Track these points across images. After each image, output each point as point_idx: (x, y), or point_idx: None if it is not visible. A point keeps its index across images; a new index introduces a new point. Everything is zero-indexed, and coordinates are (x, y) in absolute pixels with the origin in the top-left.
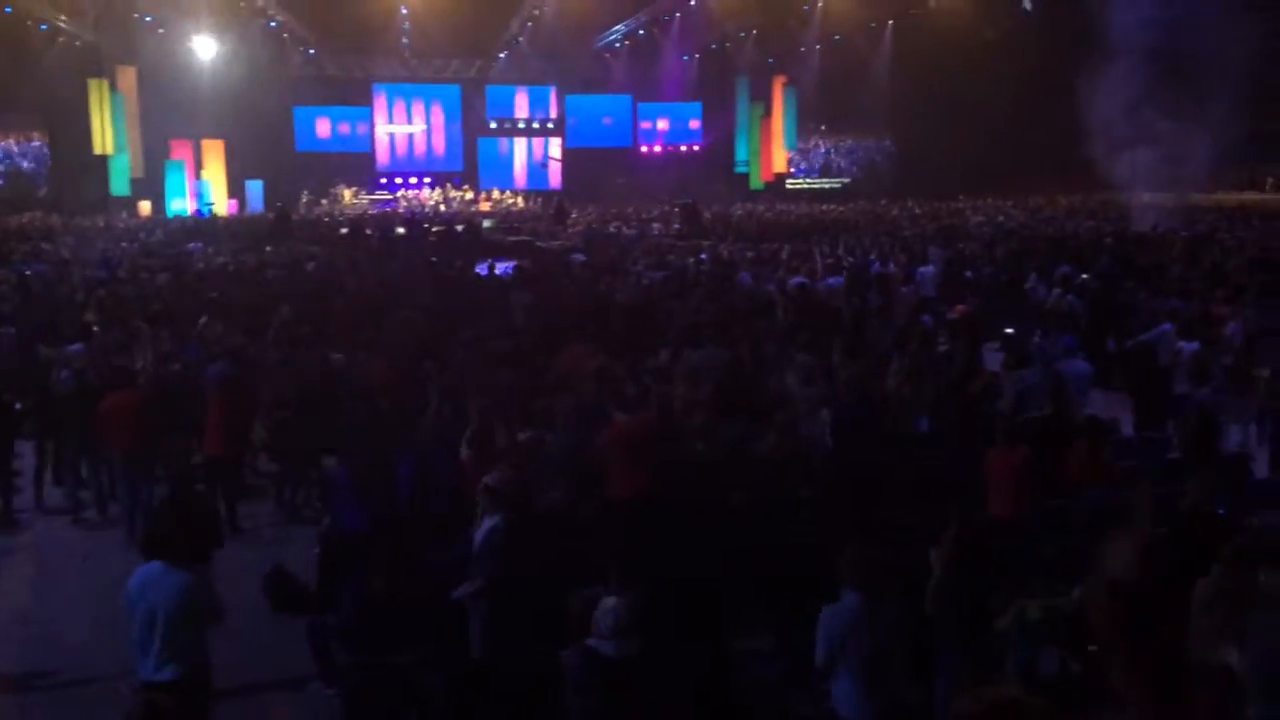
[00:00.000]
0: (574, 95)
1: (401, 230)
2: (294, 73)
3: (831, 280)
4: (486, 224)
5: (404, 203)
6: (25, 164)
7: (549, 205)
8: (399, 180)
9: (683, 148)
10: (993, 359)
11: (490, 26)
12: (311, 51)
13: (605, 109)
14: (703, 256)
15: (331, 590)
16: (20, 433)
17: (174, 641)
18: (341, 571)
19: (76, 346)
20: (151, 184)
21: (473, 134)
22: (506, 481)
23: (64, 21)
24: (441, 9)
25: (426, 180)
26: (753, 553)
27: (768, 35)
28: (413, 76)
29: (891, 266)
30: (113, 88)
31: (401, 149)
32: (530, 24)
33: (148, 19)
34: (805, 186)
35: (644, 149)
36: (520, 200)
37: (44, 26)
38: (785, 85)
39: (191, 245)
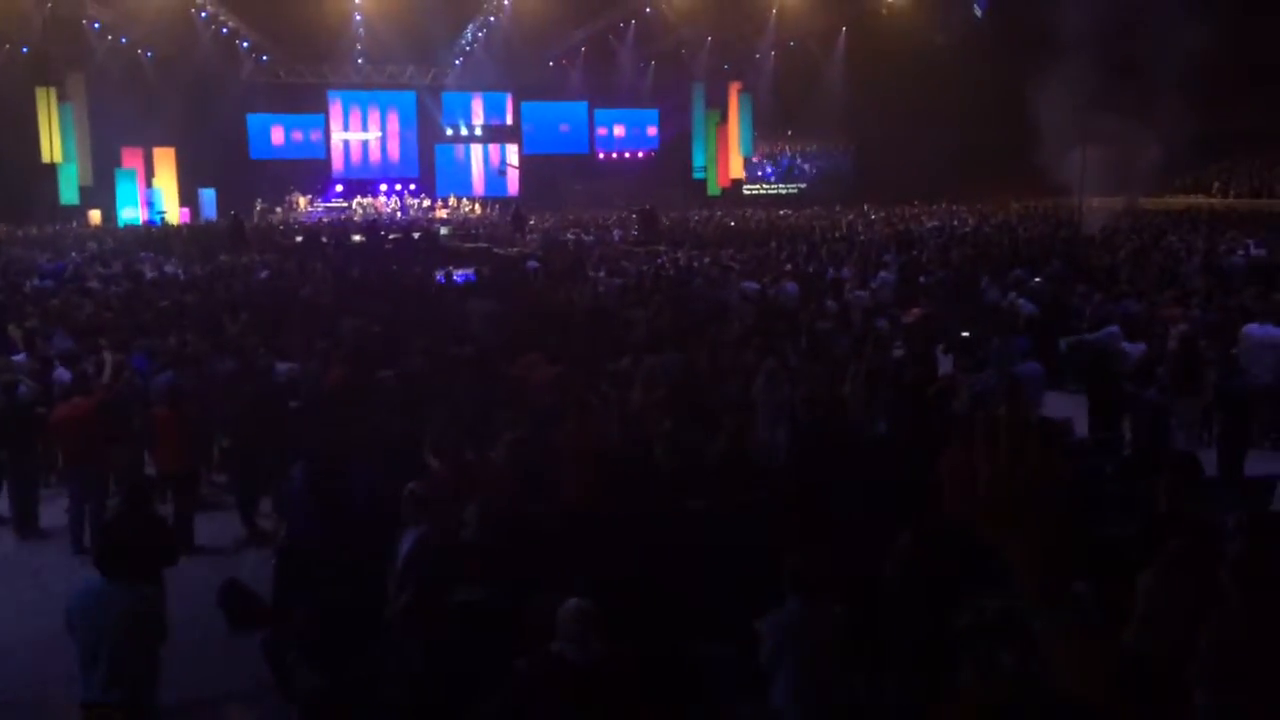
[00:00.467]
0: (530, 102)
1: (358, 238)
2: (247, 79)
3: (788, 286)
4: (444, 231)
5: (360, 210)
6: None
7: (506, 212)
8: (355, 187)
9: (640, 154)
10: (947, 362)
11: (445, 33)
12: (265, 58)
13: (562, 115)
14: (660, 262)
15: (288, 603)
16: None
17: (120, 661)
18: (298, 584)
19: (20, 356)
20: (102, 193)
21: (429, 141)
22: (432, 489)
23: (10, 28)
24: (396, 15)
25: (382, 188)
26: (709, 556)
27: (723, 42)
28: (368, 83)
29: (846, 272)
30: (61, 96)
31: (357, 156)
32: (485, 31)
33: (96, 25)
34: (762, 192)
35: (601, 155)
36: (478, 207)
37: None
38: (741, 91)
39: (142, 254)
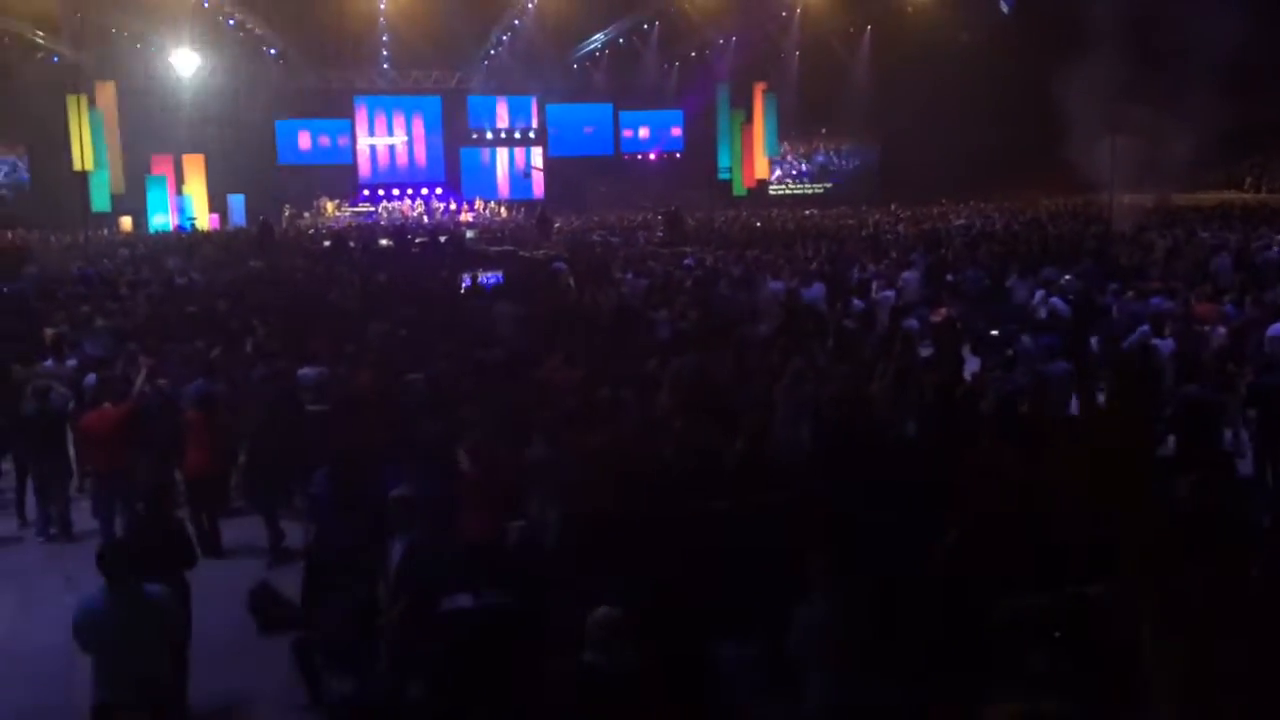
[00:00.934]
0: (555, 104)
1: (385, 242)
2: (274, 86)
3: (814, 286)
4: (470, 234)
5: (386, 214)
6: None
7: (532, 215)
8: (381, 192)
9: (665, 155)
10: (976, 361)
11: (470, 37)
12: (292, 65)
13: (586, 118)
14: (687, 263)
15: (316, 606)
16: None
17: (136, 664)
18: (326, 588)
19: (48, 363)
20: (132, 200)
21: (454, 145)
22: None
23: (42, 38)
24: (421, 20)
25: (409, 191)
26: (731, 557)
27: (747, 41)
28: (393, 88)
29: (872, 271)
30: (92, 104)
31: (383, 161)
32: (510, 34)
33: (126, 34)
34: (788, 192)
35: (626, 157)
36: (503, 210)
37: (21, 43)
38: (765, 91)
39: (171, 261)
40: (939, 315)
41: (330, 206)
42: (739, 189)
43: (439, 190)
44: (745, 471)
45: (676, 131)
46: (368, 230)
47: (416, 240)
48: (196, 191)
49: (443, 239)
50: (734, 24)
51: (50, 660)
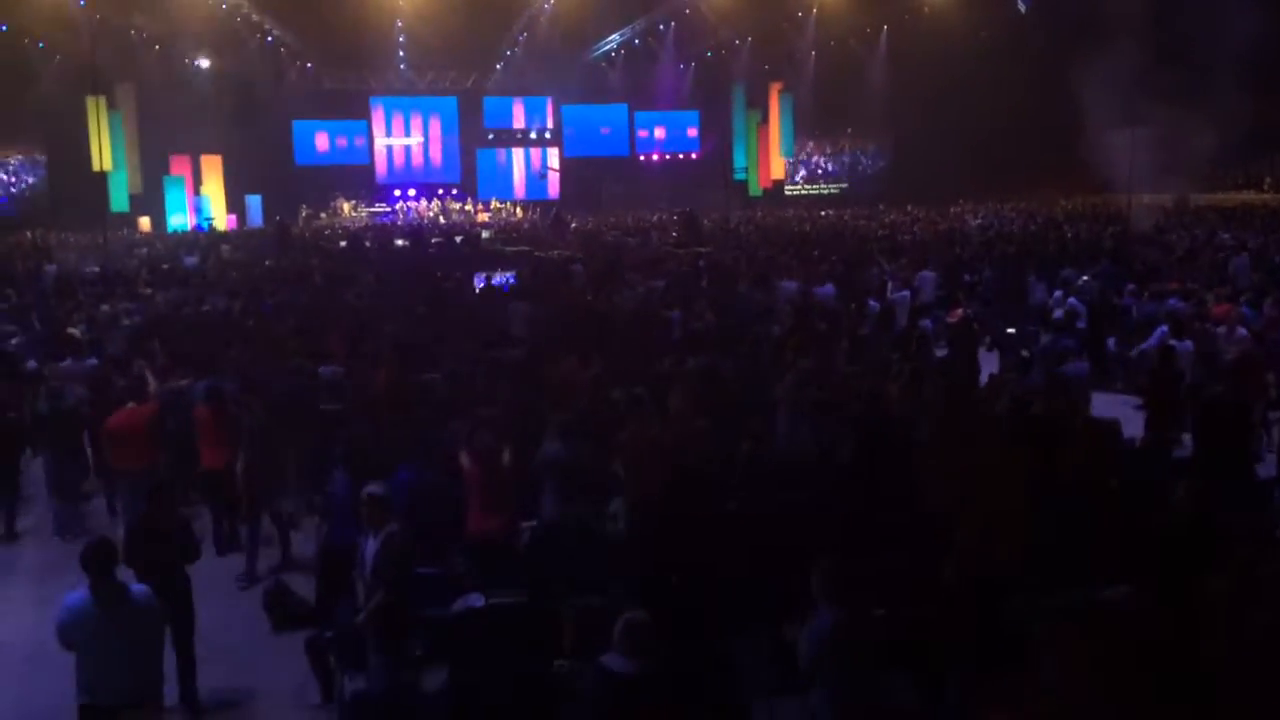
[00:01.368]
0: (570, 105)
1: (401, 242)
2: (292, 87)
3: (827, 287)
4: (485, 235)
5: (402, 215)
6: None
7: (547, 215)
8: (398, 192)
9: (680, 156)
10: (993, 361)
11: (486, 38)
12: (309, 65)
13: (602, 118)
14: (702, 264)
15: (330, 604)
16: (21, 449)
17: (120, 664)
18: (340, 586)
19: (67, 362)
20: (151, 200)
21: (470, 145)
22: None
23: (61, 39)
24: (437, 21)
25: (425, 192)
26: (744, 557)
27: (763, 42)
28: (410, 89)
29: (888, 271)
30: (111, 105)
31: (400, 161)
32: (526, 35)
33: (145, 36)
34: (803, 193)
35: (642, 158)
36: (519, 211)
37: (41, 44)
38: (781, 92)
39: (187, 259)
40: (955, 316)
41: (347, 207)
42: (754, 190)
43: (455, 191)
44: (752, 473)
45: (692, 132)
46: (384, 230)
47: (432, 240)
48: (214, 192)
49: (458, 239)
50: (750, 24)
51: (65, 658)
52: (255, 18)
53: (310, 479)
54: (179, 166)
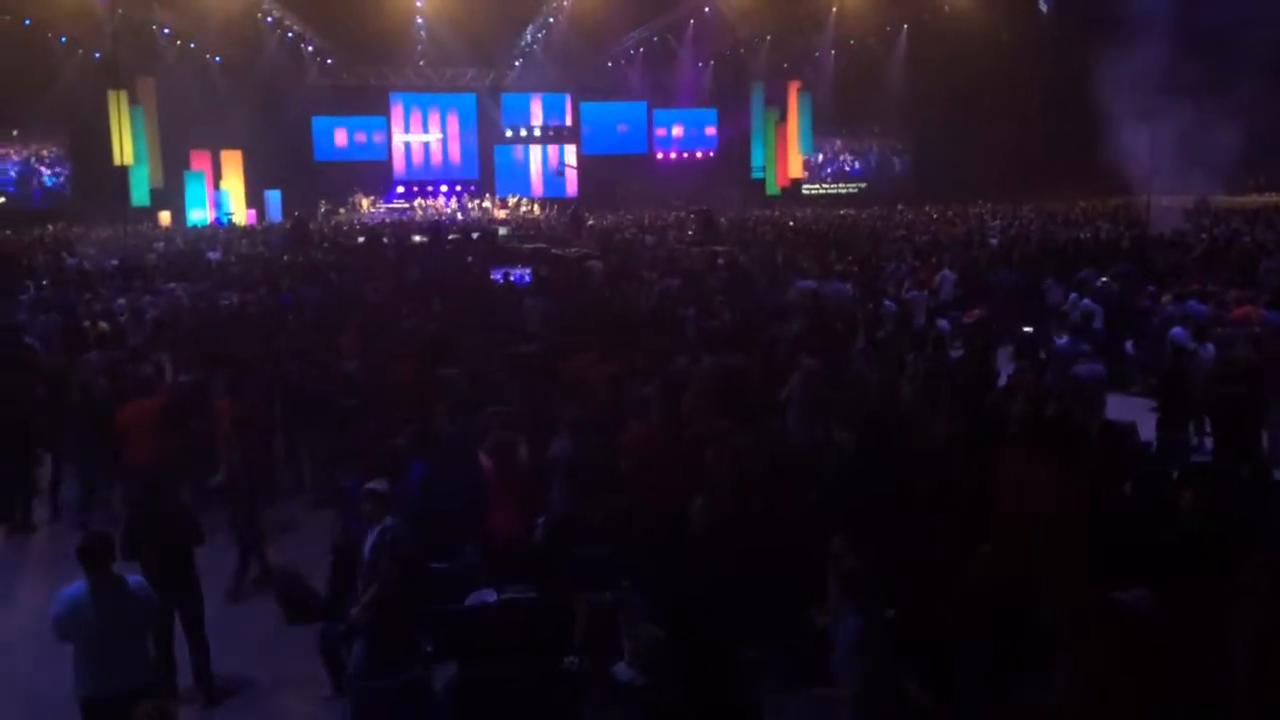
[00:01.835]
0: (589, 102)
1: (419, 238)
2: (311, 83)
3: (843, 285)
4: (502, 232)
5: (421, 211)
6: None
7: (564, 213)
8: (416, 188)
9: (698, 154)
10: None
11: (505, 35)
12: (329, 62)
13: (620, 116)
14: (719, 262)
15: (342, 597)
16: (39, 442)
17: (119, 654)
18: (352, 580)
19: (94, 354)
20: (171, 194)
21: (488, 142)
22: (389, 486)
23: (83, 34)
24: (457, 18)
25: (443, 188)
26: (754, 558)
27: (782, 40)
28: (429, 85)
29: (905, 271)
30: (132, 99)
31: (418, 158)
32: (545, 32)
33: (166, 31)
34: (821, 192)
35: (659, 155)
36: (536, 208)
37: (63, 39)
38: (800, 90)
39: (210, 253)
40: (972, 317)
41: (365, 202)
42: (772, 188)
43: (473, 187)
44: (770, 471)
45: (710, 130)
46: (402, 226)
47: (450, 237)
48: (234, 187)
49: (475, 236)
50: (770, 23)
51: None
52: (276, 14)
53: (325, 474)
54: (199, 161)
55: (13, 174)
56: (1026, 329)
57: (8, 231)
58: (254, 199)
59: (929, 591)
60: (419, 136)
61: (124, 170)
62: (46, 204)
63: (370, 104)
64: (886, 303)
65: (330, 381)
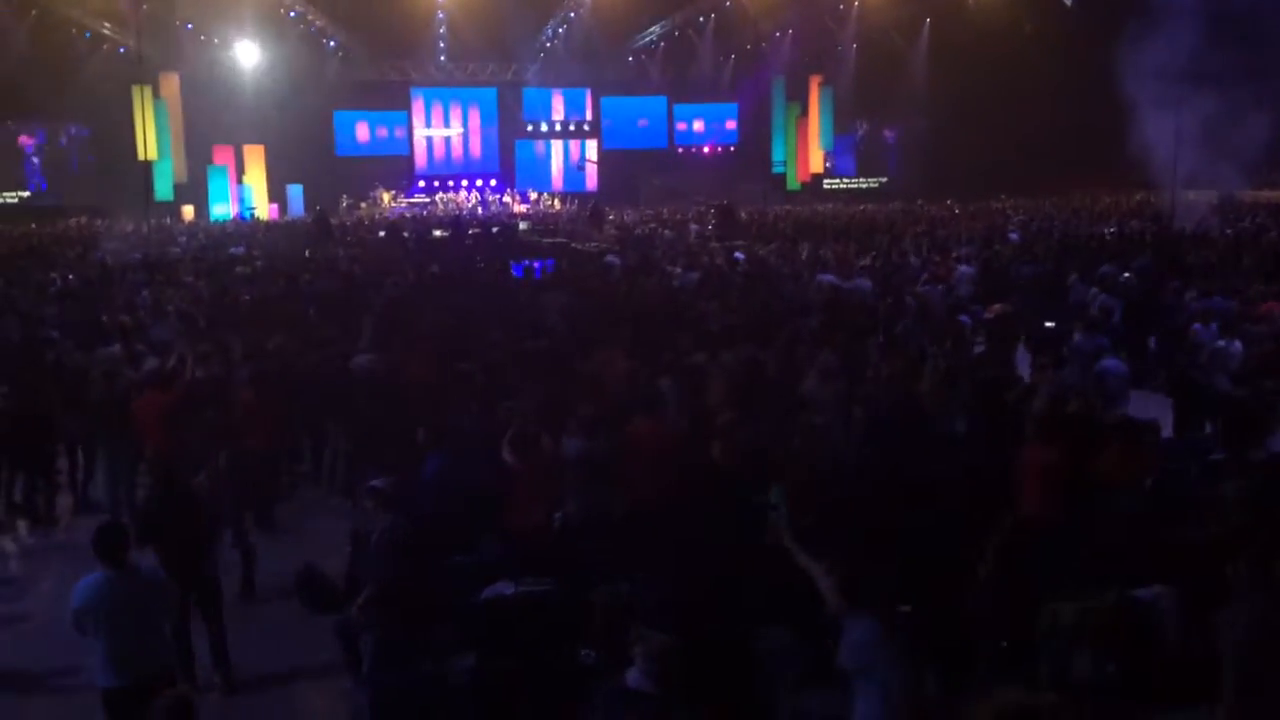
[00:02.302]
0: (609, 97)
1: (439, 233)
2: (333, 78)
3: (863, 281)
4: (523, 226)
5: (441, 205)
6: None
7: (585, 207)
8: (437, 183)
9: (719, 148)
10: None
11: (526, 30)
12: (351, 56)
13: (641, 110)
14: (738, 257)
15: (360, 589)
16: (59, 435)
17: (139, 643)
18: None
19: (114, 347)
20: (194, 189)
21: (509, 137)
22: (393, 484)
23: (107, 29)
24: (478, 13)
25: (464, 183)
26: (771, 552)
27: (804, 34)
28: (450, 80)
29: (925, 266)
30: (156, 94)
31: (439, 152)
32: (565, 27)
33: (189, 26)
34: (842, 186)
35: (680, 150)
36: (557, 202)
37: (88, 34)
38: (822, 84)
39: (233, 248)
40: (993, 312)
41: (387, 197)
42: (793, 183)
43: (493, 182)
44: (798, 468)
45: (731, 125)
46: (422, 221)
47: (470, 231)
48: (256, 181)
49: (495, 230)
50: (791, 17)
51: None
52: (298, 9)
53: (344, 466)
54: (222, 156)
55: (37, 168)
56: (1049, 324)
57: (32, 225)
58: (276, 194)
59: (947, 588)
60: (440, 131)
61: (148, 165)
62: (70, 199)
63: (392, 99)
64: (907, 298)
65: (348, 374)
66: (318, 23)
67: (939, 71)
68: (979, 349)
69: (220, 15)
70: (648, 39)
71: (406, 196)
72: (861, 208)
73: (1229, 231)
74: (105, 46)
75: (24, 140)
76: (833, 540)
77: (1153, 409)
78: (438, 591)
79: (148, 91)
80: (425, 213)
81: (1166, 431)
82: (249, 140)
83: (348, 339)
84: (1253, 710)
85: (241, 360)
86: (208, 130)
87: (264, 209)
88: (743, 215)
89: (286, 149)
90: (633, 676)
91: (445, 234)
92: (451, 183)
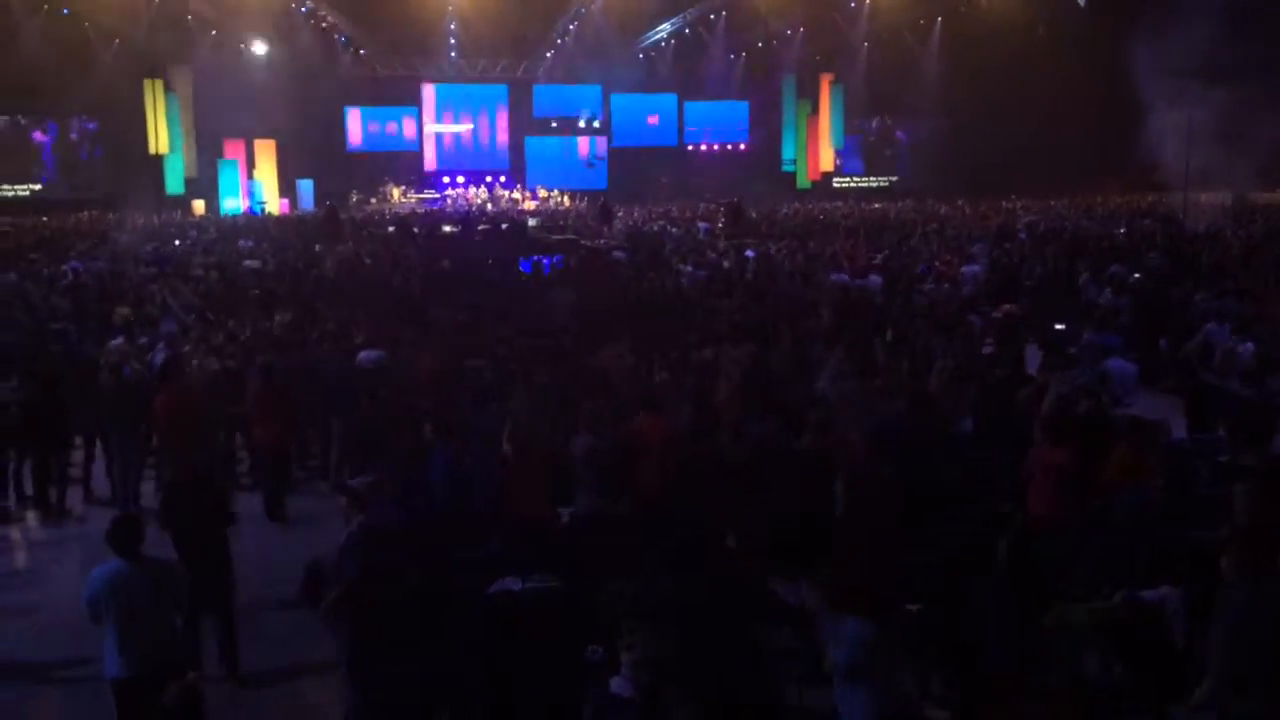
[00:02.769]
0: (620, 94)
1: (448, 229)
2: (344, 73)
3: (872, 279)
4: (532, 223)
5: (450, 202)
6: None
7: (594, 204)
8: (446, 179)
9: (729, 146)
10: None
11: (537, 26)
12: (362, 52)
13: (651, 108)
14: (747, 254)
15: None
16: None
17: (150, 634)
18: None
19: (119, 340)
20: (205, 183)
21: (519, 133)
22: (367, 485)
23: (119, 23)
24: (489, 9)
25: (473, 179)
26: (779, 549)
27: (815, 33)
28: (460, 76)
29: (935, 265)
30: (167, 88)
31: (449, 148)
32: (576, 24)
33: (201, 20)
34: (852, 185)
35: (690, 148)
36: (566, 199)
37: (100, 28)
38: (832, 83)
39: (241, 242)
40: (1002, 312)
41: (396, 193)
42: (803, 181)
43: (503, 178)
44: (809, 466)
45: (741, 123)
46: (432, 217)
47: (479, 228)
48: (267, 176)
49: (505, 227)
50: (802, 15)
51: None
52: (310, 4)
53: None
54: (233, 150)
55: (49, 162)
56: (1059, 326)
57: (44, 218)
58: (286, 188)
59: (956, 588)
60: (450, 127)
61: (159, 159)
62: (82, 192)
63: (402, 94)
64: (916, 296)
65: (351, 369)
66: (329, 18)
67: (951, 71)
68: (988, 349)
69: (232, 10)
70: (658, 36)
71: (416, 192)
72: (875, 206)
73: (1240, 233)
74: (117, 41)
75: (37, 136)
76: (835, 540)
77: (1164, 410)
78: (435, 586)
79: (159, 85)
80: (435, 209)
81: (1178, 432)
82: (260, 135)
83: (356, 334)
84: (1234, 700)
85: (251, 353)
86: (219, 124)
87: (274, 203)
88: (752, 214)
89: (297, 143)
90: (616, 683)
91: (454, 230)
92: (461, 179)
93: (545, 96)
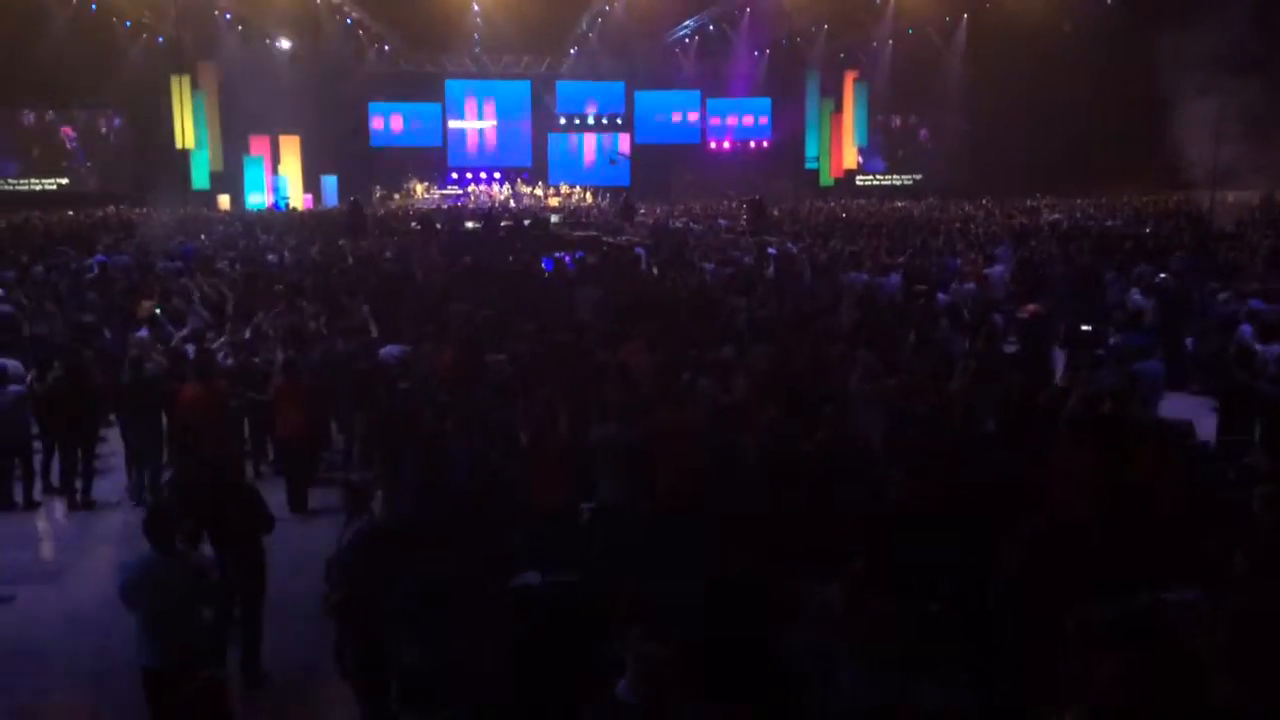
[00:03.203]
0: (643, 91)
1: (471, 225)
2: (369, 69)
3: (892, 278)
4: (554, 219)
5: (473, 198)
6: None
7: (617, 201)
8: (469, 175)
9: (752, 144)
10: (1063, 358)
11: (560, 23)
12: (386, 48)
13: (674, 105)
14: (771, 252)
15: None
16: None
17: (181, 626)
18: (397, 562)
19: (142, 332)
20: (230, 178)
21: (542, 130)
22: (367, 481)
23: (147, 19)
24: (513, 6)
25: (496, 175)
26: (798, 547)
27: (839, 30)
28: (484, 73)
29: (958, 263)
30: (194, 84)
31: (472, 144)
32: (600, 20)
33: (228, 16)
34: (875, 183)
35: (713, 145)
36: (589, 196)
37: (128, 24)
38: (856, 80)
39: (262, 238)
40: (1027, 311)
41: (420, 188)
42: (825, 179)
43: (526, 174)
44: (824, 463)
45: (764, 120)
46: (455, 213)
47: (502, 224)
48: (292, 171)
49: (527, 223)
50: (826, 12)
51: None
52: (335, 0)
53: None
54: (258, 146)
55: (77, 156)
56: (1085, 327)
57: (69, 213)
58: (311, 184)
59: (977, 589)
60: (473, 123)
61: (185, 154)
62: (108, 187)
63: (426, 90)
64: (940, 296)
65: (377, 363)
66: (354, 14)
67: (975, 69)
68: (1012, 349)
69: (258, 6)
70: (682, 33)
71: (439, 188)
72: (898, 204)
73: (1268, 234)
74: (144, 36)
75: (66, 131)
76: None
77: (1189, 411)
78: (455, 582)
79: (186, 81)
80: (458, 204)
81: (1207, 434)
82: (285, 130)
83: (379, 329)
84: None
85: (275, 348)
86: (244, 120)
87: (299, 199)
88: (775, 211)
89: (321, 139)
90: (621, 687)
91: (477, 226)
92: (484, 175)
93: (568, 92)
